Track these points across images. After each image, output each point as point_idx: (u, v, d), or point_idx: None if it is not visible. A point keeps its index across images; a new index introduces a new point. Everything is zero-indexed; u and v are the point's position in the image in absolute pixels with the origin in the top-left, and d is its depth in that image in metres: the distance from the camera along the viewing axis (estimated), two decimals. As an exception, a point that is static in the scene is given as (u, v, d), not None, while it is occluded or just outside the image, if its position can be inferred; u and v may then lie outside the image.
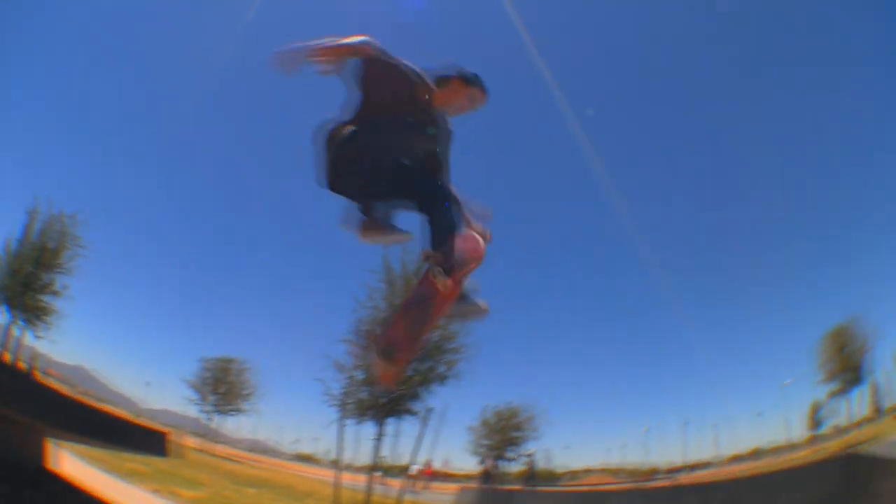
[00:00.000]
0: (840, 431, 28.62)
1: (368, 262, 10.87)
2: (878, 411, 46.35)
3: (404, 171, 2.81)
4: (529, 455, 24.28)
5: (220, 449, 29.38)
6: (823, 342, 27.21)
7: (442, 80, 2.76)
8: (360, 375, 10.08)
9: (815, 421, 43.80)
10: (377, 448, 10.20)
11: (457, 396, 11.22)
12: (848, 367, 26.50)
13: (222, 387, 23.94)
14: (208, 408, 24.32)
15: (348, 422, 10.25)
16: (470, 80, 2.84)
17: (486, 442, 25.17)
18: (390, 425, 10.37)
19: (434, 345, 10.32)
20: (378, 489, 11.96)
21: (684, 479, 21.08)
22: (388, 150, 2.77)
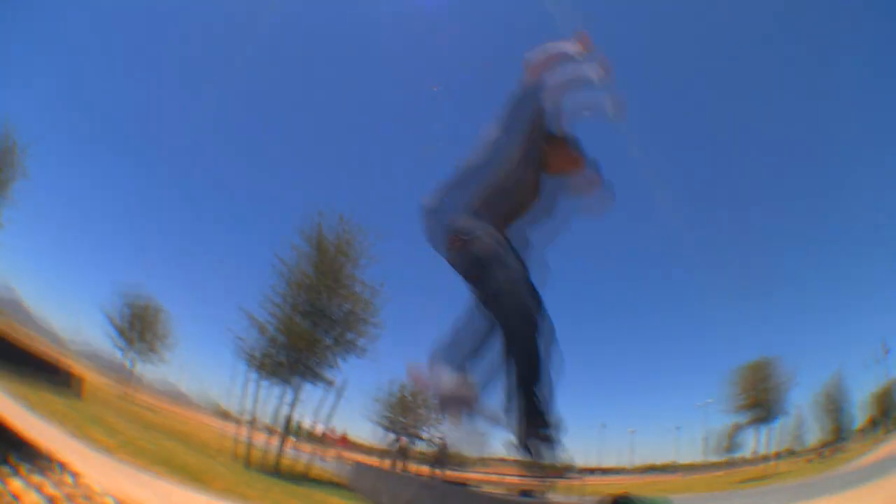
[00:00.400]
0: (757, 459, 29.79)
1: (299, 224, 10.89)
2: (796, 449, 49.44)
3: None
4: (440, 438, 24.63)
5: (141, 396, 29.10)
6: (742, 372, 27.93)
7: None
8: (274, 333, 10.19)
9: (732, 444, 46.33)
10: (287, 410, 10.34)
11: (374, 369, 11.46)
12: (762, 402, 27.29)
13: (148, 333, 23.78)
14: (133, 353, 24.14)
15: (260, 380, 10.36)
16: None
17: (401, 419, 25.25)
18: (301, 388, 10.45)
19: (350, 314, 10.48)
20: (288, 453, 12.24)
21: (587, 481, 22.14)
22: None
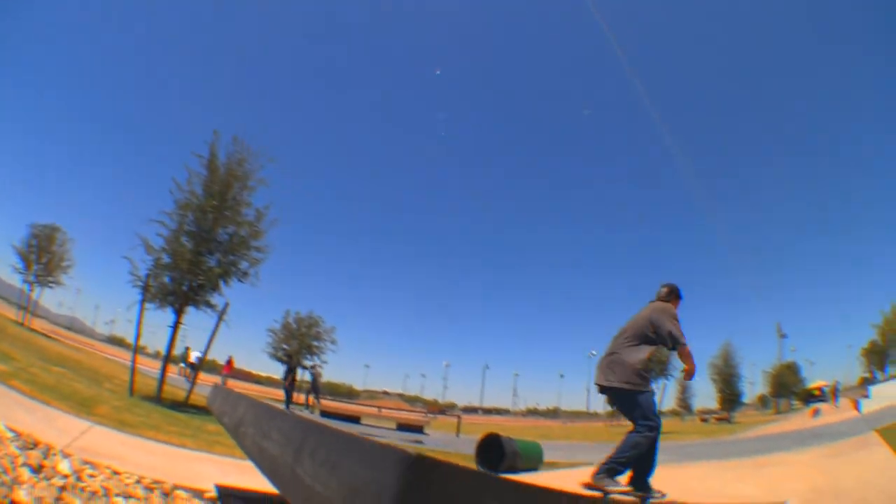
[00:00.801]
0: None
1: (194, 147, 10.91)
2: (686, 409, 53.22)
3: None
4: (316, 366, 24.52)
5: (37, 323, 27.93)
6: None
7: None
8: (166, 259, 10.15)
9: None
10: (174, 337, 10.44)
11: (257, 297, 11.44)
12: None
13: (45, 256, 23.15)
14: (31, 278, 23.49)
15: (150, 306, 10.17)
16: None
17: (284, 346, 25.57)
18: (186, 314, 10.45)
19: (241, 240, 10.55)
20: (174, 380, 12.62)
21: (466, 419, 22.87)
22: None
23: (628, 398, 3.65)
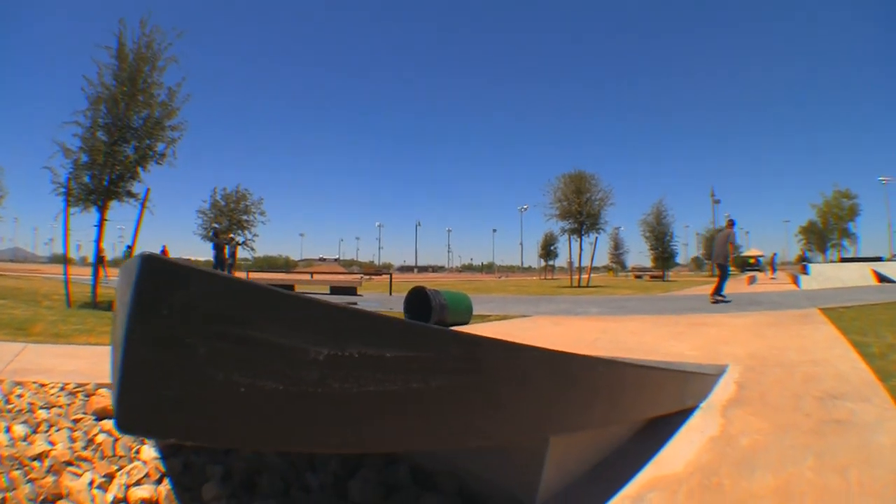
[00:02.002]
0: (573, 269, 30.22)
1: (99, 38, 10.15)
2: (620, 265, 53.96)
3: None
4: (232, 239, 24.61)
5: None
6: (562, 180, 27.90)
7: None
8: (85, 159, 9.77)
9: (548, 252, 50.49)
10: (100, 236, 10.22)
11: (188, 182, 11.10)
12: (585, 212, 27.22)
13: None
14: None
15: (75, 211, 9.95)
16: None
17: (216, 225, 25.23)
18: (115, 210, 10.26)
19: (154, 122, 10.15)
20: (106, 281, 12.26)
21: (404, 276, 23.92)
22: None
23: (724, 266, 11.03)
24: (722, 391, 3.05)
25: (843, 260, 33.80)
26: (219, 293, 0.80)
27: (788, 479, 1.81)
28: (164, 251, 22.57)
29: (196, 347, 0.76)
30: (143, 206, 10.03)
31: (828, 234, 49.75)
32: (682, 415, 2.51)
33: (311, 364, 0.82)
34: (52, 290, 12.66)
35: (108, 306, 9.20)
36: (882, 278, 17.56)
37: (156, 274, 0.75)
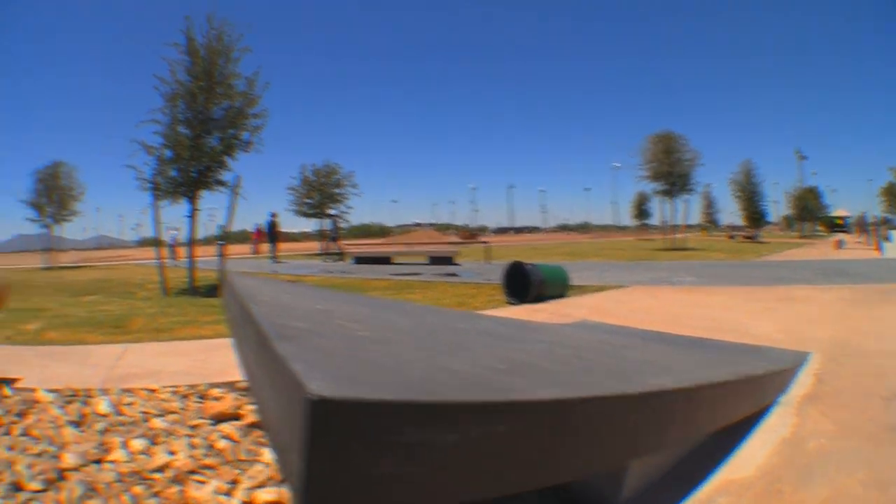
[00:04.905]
0: (666, 229, 29.81)
1: (167, 37, 10.22)
2: (713, 224, 52.13)
3: None
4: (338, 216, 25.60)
5: (66, 257, 28.55)
6: (652, 140, 27.44)
7: None
8: (168, 154, 10.12)
9: (641, 211, 49.15)
10: (193, 225, 10.61)
11: (264, 162, 11.46)
12: (676, 173, 26.77)
13: (55, 193, 22.80)
14: (47, 220, 23.38)
15: (164, 204, 10.39)
16: None
17: (308, 201, 26.34)
18: (205, 199, 10.68)
19: (236, 111, 10.41)
20: (208, 262, 12.79)
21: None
22: None
23: None
24: (801, 384, 3.00)
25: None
26: (388, 419, 0.77)
27: (838, 490, 1.80)
28: (258, 230, 23.73)
29: (372, 469, 0.75)
30: (234, 193, 10.42)
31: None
32: (761, 412, 2.52)
33: (445, 445, 0.85)
34: (145, 279, 13.13)
35: (206, 291, 9.53)
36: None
37: (331, 427, 0.70)
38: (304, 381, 0.70)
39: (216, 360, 3.95)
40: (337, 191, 26.31)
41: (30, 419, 2.74)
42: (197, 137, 10.11)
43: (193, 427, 2.64)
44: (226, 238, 11.87)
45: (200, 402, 2.99)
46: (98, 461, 2.26)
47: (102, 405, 2.92)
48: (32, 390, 3.18)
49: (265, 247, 23.32)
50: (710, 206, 49.27)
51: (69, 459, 2.26)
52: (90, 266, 23.56)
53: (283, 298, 2.13)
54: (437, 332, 1.76)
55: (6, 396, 3.07)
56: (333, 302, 2.43)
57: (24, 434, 2.55)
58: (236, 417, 2.74)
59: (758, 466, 2.02)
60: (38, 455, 2.30)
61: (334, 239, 23.01)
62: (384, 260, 16.88)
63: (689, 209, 30.31)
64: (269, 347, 0.94)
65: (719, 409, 2.04)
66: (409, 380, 0.99)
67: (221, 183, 10.52)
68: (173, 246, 23.42)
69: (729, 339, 3.95)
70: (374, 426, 0.74)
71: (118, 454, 2.32)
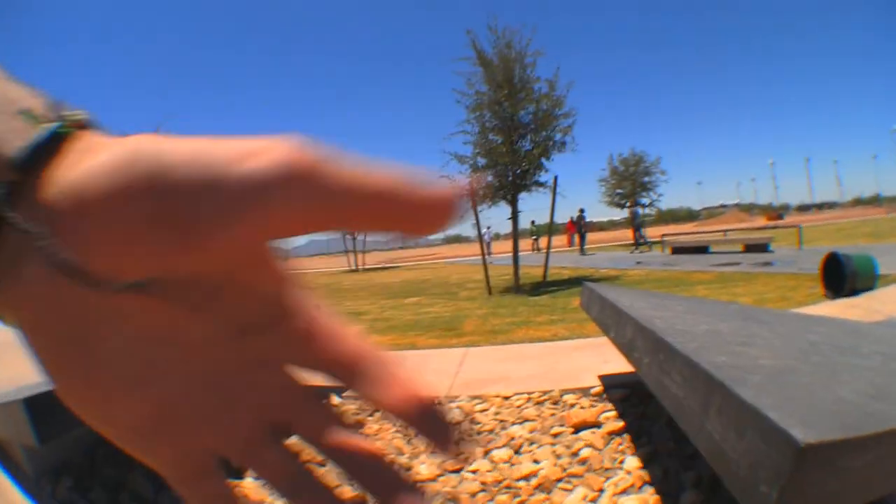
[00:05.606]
0: None
1: (454, 52, 11.02)
2: None
3: None
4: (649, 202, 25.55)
5: (369, 258, 32.21)
6: None
7: None
8: (480, 162, 10.66)
9: None
10: (515, 227, 11.07)
11: (573, 158, 11.28)
12: None
13: None
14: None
15: (482, 207, 10.77)
16: None
17: (618, 191, 26.45)
18: (523, 201, 11.30)
19: (544, 114, 10.58)
20: (525, 258, 12.83)
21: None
22: None
23: None
24: None
25: None
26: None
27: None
28: (569, 222, 24.64)
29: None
30: (553, 193, 10.67)
31: None
32: None
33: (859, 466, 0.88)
34: (463, 278, 13.75)
35: (531, 290, 9.71)
36: None
37: (808, 466, 0.78)
38: (785, 428, 0.80)
39: (564, 364, 3.87)
40: (646, 179, 26.07)
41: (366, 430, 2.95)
42: (511, 143, 10.50)
43: (555, 436, 2.63)
44: (537, 233, 12.15)
45: (554, 409, 2.96)
46: (456, 471, 2.32)
47: (454, 412, 2.97)
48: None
49: (577, 238, 23.90)
50: None
51: (422, 470, 2.36)
52: (397, 267, 25.52)
53: (663, 314, 2.05)
54: (807, 352, 1.53)
55: (335, 405, 3.39)
56: (699, 314, 2.21)
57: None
58: (597, 425, 2.71)
59: None
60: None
61: (639, 227, 22.41)
62: (701, 250, 16.66)
63: None
64: (725, 390, 1.02)
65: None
66: (834, 413, 0.99)
67: (539, 184, 10.82)
68: (489, 242, 24.81)
69: None
70: (828, 461, 0.80)
71: (479, 464, 2.39)
